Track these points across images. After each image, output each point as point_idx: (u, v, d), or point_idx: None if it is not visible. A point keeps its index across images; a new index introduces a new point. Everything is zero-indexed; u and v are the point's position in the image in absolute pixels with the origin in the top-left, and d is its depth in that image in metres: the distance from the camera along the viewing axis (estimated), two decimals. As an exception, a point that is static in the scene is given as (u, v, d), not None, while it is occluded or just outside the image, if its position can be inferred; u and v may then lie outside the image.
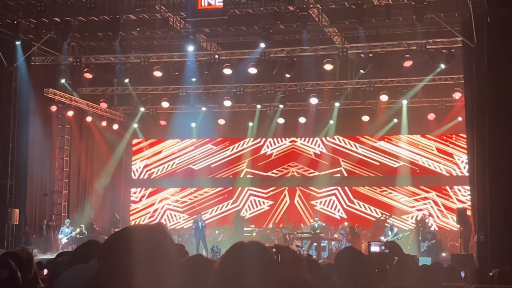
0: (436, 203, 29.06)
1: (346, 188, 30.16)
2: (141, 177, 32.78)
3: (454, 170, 29.11)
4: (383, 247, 7.30)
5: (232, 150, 31.91)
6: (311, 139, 30.80)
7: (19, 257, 5.36)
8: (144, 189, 32.61)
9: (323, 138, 30.55)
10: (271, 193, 31.17)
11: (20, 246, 20.13)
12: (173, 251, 2.51)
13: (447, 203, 28.84)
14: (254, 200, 31.21)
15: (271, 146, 31.47)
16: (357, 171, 30.16)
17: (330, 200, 30.26)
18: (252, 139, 31.47)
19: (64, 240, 25.78)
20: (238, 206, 30.75)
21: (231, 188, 31.55)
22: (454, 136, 29.16)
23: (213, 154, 32.07)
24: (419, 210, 28.66)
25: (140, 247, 2.43)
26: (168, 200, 32.15)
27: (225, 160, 31.87)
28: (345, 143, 30.46)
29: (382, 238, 24.49)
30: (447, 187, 29.10)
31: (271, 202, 30.84)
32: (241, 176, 31.53)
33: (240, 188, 31.49)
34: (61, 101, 28.00)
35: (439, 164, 29.37)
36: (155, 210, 32.17)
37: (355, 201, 29.91)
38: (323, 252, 24.52)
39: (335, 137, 30.43)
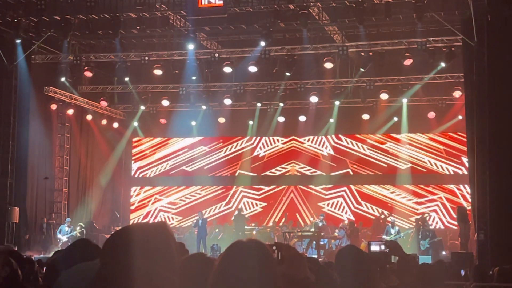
0: (444, 205, 28.96)
1: (353, 189, 29.93)
2: (141, 175, 32.78)
3: (461, 169, 28.88)
4: (383, 247, 7.31)
5: (232, 149, 31.89)
6: (317, 138, 30.63)
7: (20, 256, 5.37)
8: (144, 187, 32.61)
9: (329, 137, 30.42)
10: (264, 194, 31.05)
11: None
12: (175, 249, 2.51)
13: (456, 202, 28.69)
14: (247, 201, 31.18)
15: (273, 144, 31.46)
16: (361, 170, 30.07)
17: (338, 201, 30.12)
18: (253, 137, 31.43)
19: (64, 239, 25.78)
20: (231, 208, 30.77)
21: (230, 186, 31.54)
22: (449, 133, 29.15)
23: (213, 152, 32.06)
24: (431, 211, 28.50)
25: (142, 246, 2.44)
26: (169, 198, 32.13)
27: (225, 158, 31.86)
28: (348, 143, 30.33)
29: (384, 236, 24.54)
30: (453, 186, 28.95)
31: (264, 204, 30.66)
32: (242, 174, 31.52)
33: (233, 189, 31.41)
34: (61, 99, 28.01)
35: (447, 164, 29.31)
36: (155, 210, 32.18)
37: (362, 202, 29.64)
38: (322, 250, 24.53)
39: (341, 137, 30.32)
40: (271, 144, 31.43)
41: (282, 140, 31.25)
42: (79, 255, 3.99)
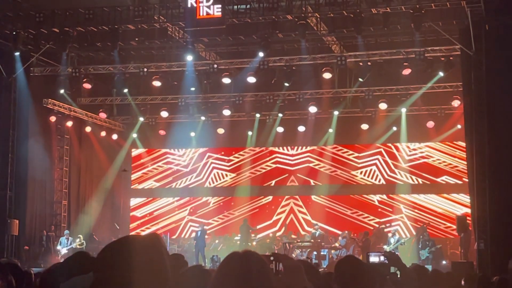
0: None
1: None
2: (140, 187, 32.75)
3: (460, 178, 28.68)
4: (382, 258, 7.27)
5: (232, 159, 31.88)
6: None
7: (18, 269, 5.35)
8: (143, 198, 32.58)
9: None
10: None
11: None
12: (168, 261, 2.51)
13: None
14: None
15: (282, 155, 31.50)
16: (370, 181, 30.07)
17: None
18: (254, 147, 31.42)
19: (64, 251, 25.74)
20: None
21: (230, 197, 31.54)
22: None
23: (212, 163, 32.04)
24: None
25: (134, 258, 2.43)
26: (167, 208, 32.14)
27: (225, 169, 31.84)
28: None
29: (385, 246, 24.54)
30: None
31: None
32: (241, 185, 31.48)
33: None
34: (60, 112, 28.01)
35: (446, 173, 29.26)
36: (156, 224, 32.16)
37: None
38: (323, 260, 24.51)
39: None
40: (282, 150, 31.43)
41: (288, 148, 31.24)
42: (77, 268, 3.99)
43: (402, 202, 29.49)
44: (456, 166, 28.94)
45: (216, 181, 31.84)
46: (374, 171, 29.98)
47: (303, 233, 29.38)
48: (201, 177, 31.96)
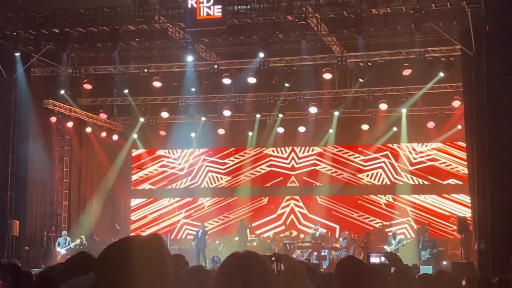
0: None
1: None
2: (140, 187, 32.74)
3: (461, 179, 28.64)
4: (383, 258, 7.29)
5: (232, 160, 31.87)
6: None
7: (18, 269, 5.36)
8: (144, 199, 32.57)
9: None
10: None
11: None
12: (169, 262, 2.50)
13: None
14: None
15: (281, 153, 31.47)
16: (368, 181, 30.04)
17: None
18: (254, 148, 31.40)
19: (63, 252, 25.73)
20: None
21: (231, 198, 31.53)
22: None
23: (212, 164, 32.04)
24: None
25: (135, 259, 2.43)
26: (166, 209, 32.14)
27: (225, 170, 31.84)
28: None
29: (385, 247, 24.52)
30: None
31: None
32: (242, 186, 31.47)
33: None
34: (61, 112, 28.01)
35: (447, 173, 29.24)
36: (156, 225, 32.15)
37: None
38: (323, 261, 24.51)
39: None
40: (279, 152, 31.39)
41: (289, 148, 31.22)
42: (79, 268, 3.99)
43: (407, 204, 29.45)
44: (463, 170, 28.73)
45: (211, 184, 31.85)
46: (381, 174, 29.95)
47: (304, 229, 29.37)
48: (196, 180, 31.96)
